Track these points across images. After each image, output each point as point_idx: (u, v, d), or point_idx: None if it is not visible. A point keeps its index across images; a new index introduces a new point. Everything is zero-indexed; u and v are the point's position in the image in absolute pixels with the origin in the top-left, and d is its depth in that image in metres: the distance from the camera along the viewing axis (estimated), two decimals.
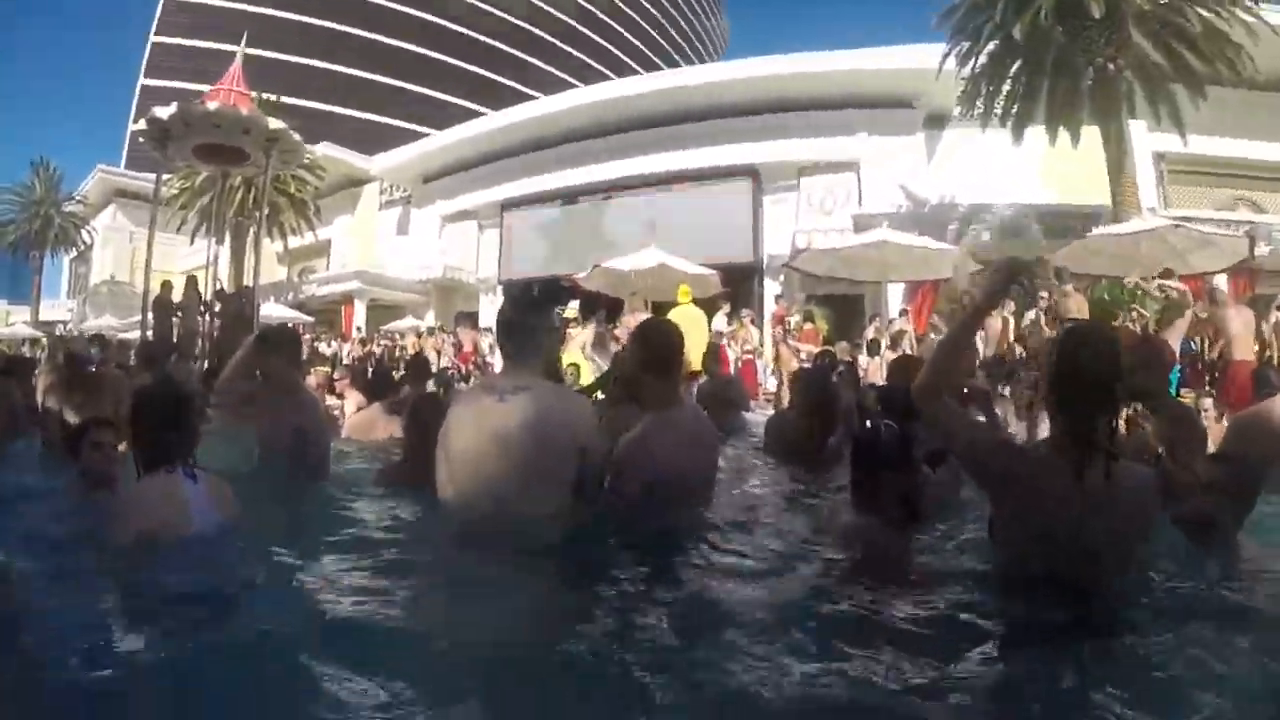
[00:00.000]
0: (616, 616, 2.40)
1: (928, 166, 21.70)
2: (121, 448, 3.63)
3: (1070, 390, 2.37)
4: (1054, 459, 2.36)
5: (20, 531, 3.28)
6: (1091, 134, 16.63)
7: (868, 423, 3.28)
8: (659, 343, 3.56)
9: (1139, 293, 13.24)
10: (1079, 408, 2.35)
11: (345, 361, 18.21)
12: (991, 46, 17.21)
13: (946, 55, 17.77)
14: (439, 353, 20.52)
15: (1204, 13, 15.37)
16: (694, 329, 12.17)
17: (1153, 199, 18.61)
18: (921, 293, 18.16)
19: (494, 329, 3.30)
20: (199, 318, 13.21)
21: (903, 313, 16.31)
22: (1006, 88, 17.59)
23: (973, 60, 17.56)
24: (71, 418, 5.38)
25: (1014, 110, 17.54)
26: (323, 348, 21.11)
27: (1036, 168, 19.45)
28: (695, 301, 13.00)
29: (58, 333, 32.33)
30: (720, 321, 15.08)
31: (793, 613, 2.37)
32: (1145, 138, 18.28)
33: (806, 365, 11.54)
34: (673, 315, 12.33)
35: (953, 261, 13.84)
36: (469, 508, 2.90)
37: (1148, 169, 18.77)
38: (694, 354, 10.93)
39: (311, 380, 9.01)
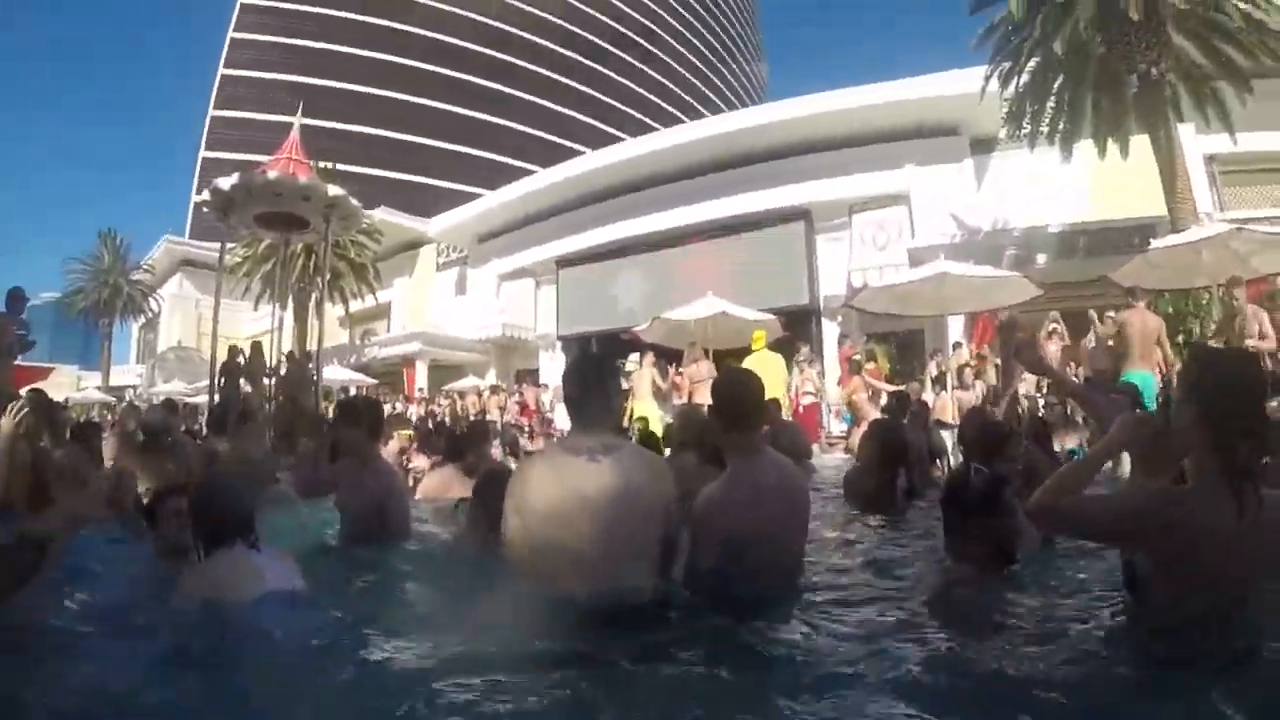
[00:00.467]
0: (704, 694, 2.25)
1: (978, 193, 21.46)
2: None
3: (1228, 422, 2.26)
4: (1213, 496, 2.23)
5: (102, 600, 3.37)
6: (1141, 143, 16.38)
7: (961, 467, 3.30)
8: (733, 395, 3.36)
9: (1205, 302, 13.07)
10: (1237, 440, 2.24)
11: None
12: (1032, 64, 17.10)
13: (988, 77, 17.66)
14: (502, 410, 20.83)
15: (1241, 5, 15.13)
16: (771, 374, 12.26)
17: (1208, 203, 18.17)
18: (981, 323, 17.88)
19: (564, 387, 3.25)
20: (265, 382, 13.61)
21: (956, 346, 16.16)
22: (1051, 104, 17.46)
23: (1015, 79, 17.46)
24: (141, 485, 5.36)
25: (1060, 126, 17.42)
26: (406, 410, 21.38)
27: (1088, 184, 19.12)
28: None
29: (127, 397, 33.23)
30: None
31: (903, 679, 2.27)
32: (1195, 141, 17.78)
33: (880, 405, 11.58)
34: (749, 361, 12.60)
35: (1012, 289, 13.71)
36: (550, 574, 2.78)
37: (1200, 173, 18.28)
38: (779, 398, 11.14)
39: (394, 445, 9.20)
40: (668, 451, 5.59)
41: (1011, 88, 17.57)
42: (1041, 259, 18.42)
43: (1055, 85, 17.21)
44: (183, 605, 3.01)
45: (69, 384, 42.98)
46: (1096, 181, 18.87)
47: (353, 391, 28.48)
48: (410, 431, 11.41)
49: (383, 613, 3.24)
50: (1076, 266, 17.09)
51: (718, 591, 3.00)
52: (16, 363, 11.65)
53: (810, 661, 2.46)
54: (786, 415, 11.40)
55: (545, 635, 2.61)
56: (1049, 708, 2.08)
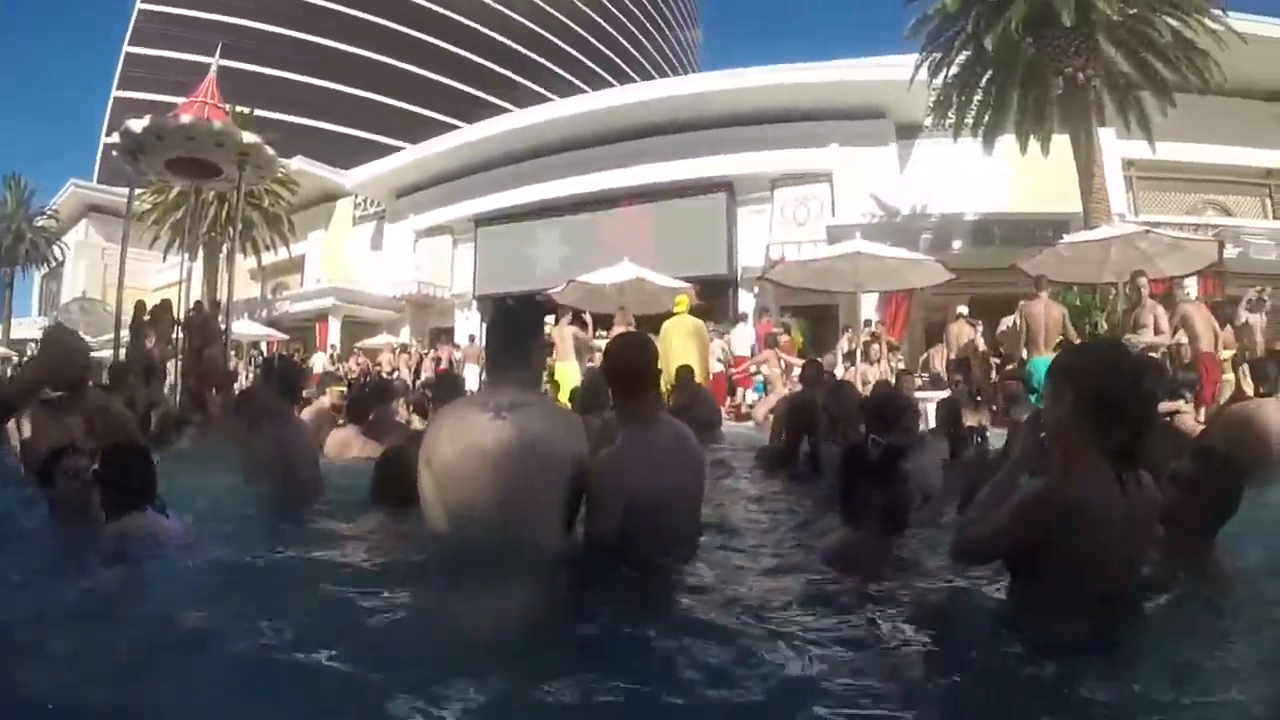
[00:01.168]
0: (608, 645, 2.28)
1: (900, 177, 21.88)
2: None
3: (1116, 413, 2.28)
4: (1095, 480, 2.25)
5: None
6: (1061, 142, 16.86)
7: (860, 437, 3.37)
8: (625, 360, 3.36)
9: (1111, 297, 13.50)
10: (1127, 428, 2.28)
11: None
12: (963, 57, 17.41)
13: (919, 66, 17.93)
14: (411, 369, 20.57)
15: (1172, 22, 15.62)
16: (693, 339, 12.43)
17: (1123, 205, 18.80)
18: (895, 301, 18.36)
19: (484, 342, 3.22)
20: (173, 336, 13.20)
21: (867, 323, 16.47)
22: (978, 98, 17.83)
23: (944, 71, 17.76)
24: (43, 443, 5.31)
25: (985, 120, 17.80)
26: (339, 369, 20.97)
27: (1007, 177, 19.62)
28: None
29: (29, 351, 32.08)
30: None
31: (787, 626, 2.36)
32: (1114, 145, 18.55)
33: (794, 382, 11.64)
34: (670, 325, 12.64)
35: (925, 272, 13.97)
36: (459, 528, 2.75)
37: (1117, 176, 18.96)
38: (697, 364, 11.17)
39: (326, 400, 8.93)
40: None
41: (940, 78, 17.88)
42: (957, 245, 18.84)
43: (983, 79, 17.59)
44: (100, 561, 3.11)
45: None
46: (1016, 175, 19.38)
47: (263, 347, 27.94)
48: (342, 388, 11.31)
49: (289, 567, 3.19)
50: (990, 254, 17.41)
51: (614, 553, 2.97)
52: None
53: (710, 615, 2.47)
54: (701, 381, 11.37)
55: (446, 587, 2.74)
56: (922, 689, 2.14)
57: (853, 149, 22.00)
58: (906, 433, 4.74)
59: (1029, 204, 19.04)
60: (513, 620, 2.42)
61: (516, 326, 3.22)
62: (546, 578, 2.70)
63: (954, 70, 17.68)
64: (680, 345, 11.71)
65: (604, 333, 15.00)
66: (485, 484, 2.69)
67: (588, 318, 14.89)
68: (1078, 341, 11.24)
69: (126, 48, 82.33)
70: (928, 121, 19.50)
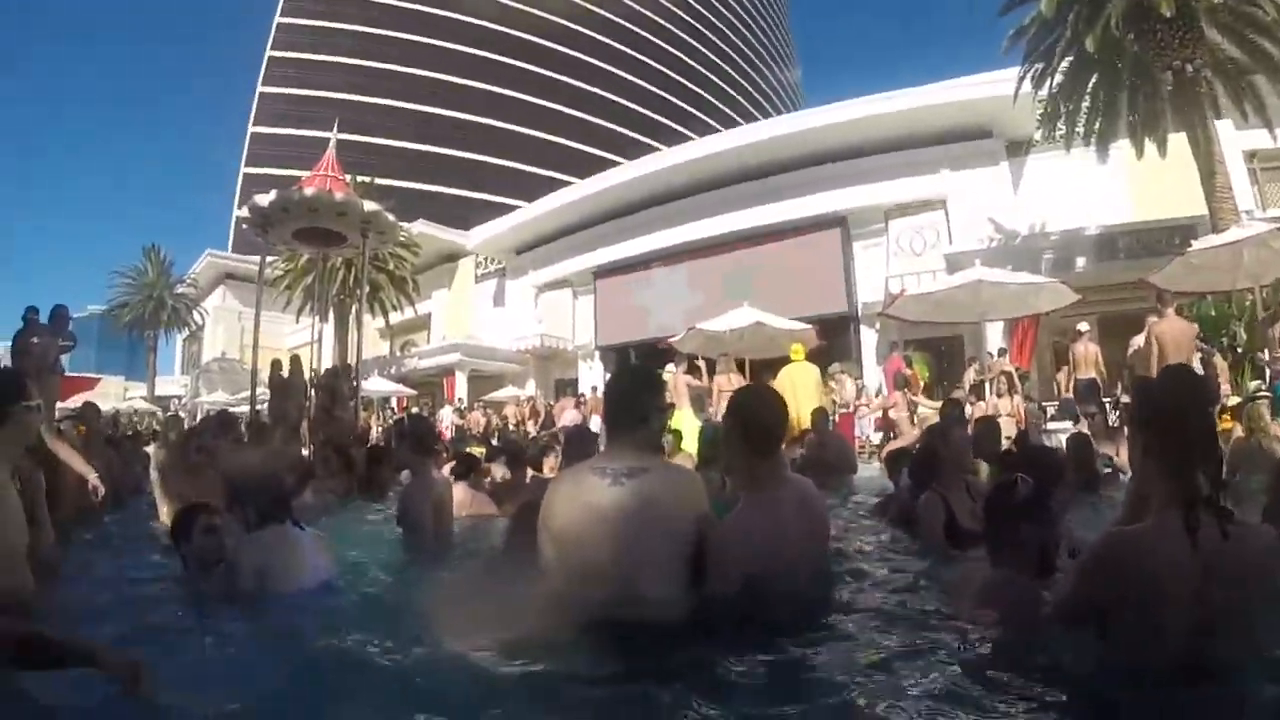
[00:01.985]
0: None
1: (1015, 196, 21.29)
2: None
3: (1175, 442, 2.11)
4: (1166, 528, 2.06)
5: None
6: (1179, 141, 16.08)
7: (1009, 476, 3.18)
8: (758, 421, 3.18)
9: (1248, 303, 12.78)
10: (1184, 461, 2.09)
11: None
12: (1065, 64, 16.88)
13: (1022, 78, 17.43)
14: (539, 422, 21.09)
15: None
16: (808, 386, 12.27)
17: (1249, 200, 17.86)
18: (1021, 327, 17.79)
19: (602, 404, 3.23)
20: (305, 395, 13.87)
21: (1002, 351, 16.03)
22: (1085, 104, 17.27)
23: (1048, 80, 17.24)
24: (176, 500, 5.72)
25: (1096, 127, 17.23)
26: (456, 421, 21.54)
27: (1126, 185, 18.89)
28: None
29: (172, 407, 33.94)
30: None
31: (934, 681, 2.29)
32: (1234, 137, 17.56)
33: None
34: (785, 373, 12.58)
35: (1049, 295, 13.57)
36: (587, 595, 2.74)
37: (1240, 170, 17.97)
38: (806, 411, 10.94)
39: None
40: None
41: (1045, 89, 17.35)
42: (1080, 262, 18.13)
43: (1089, 85, 16.98)
44: (237, 575, 3.34)
45: (115, 394, 43.75)
46: (1135, 182, 18.66)
47: (393, 402, 28.91)
48: (482, 449, 11.44)
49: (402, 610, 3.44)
50: (1115, 269, 16.84)
51: (734, 621, 2.87)
52: (67, 374, 12.08)
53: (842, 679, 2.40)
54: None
55: (565, 650, 2.65)
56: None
57: (964, 172, 21.58)
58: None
59: (1151, 211, 18.13)
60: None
61: (636, 388, 3.17)
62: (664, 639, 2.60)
63: (1058, 79, 17.14)
64: (803, 391, 11.75)
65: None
66: (604, 548, 2.72)
67: (701, 363, 14.97)
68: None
69: (251, 128, 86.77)
70: (1037, 135, 19.13)
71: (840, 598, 3.41)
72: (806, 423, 10.10)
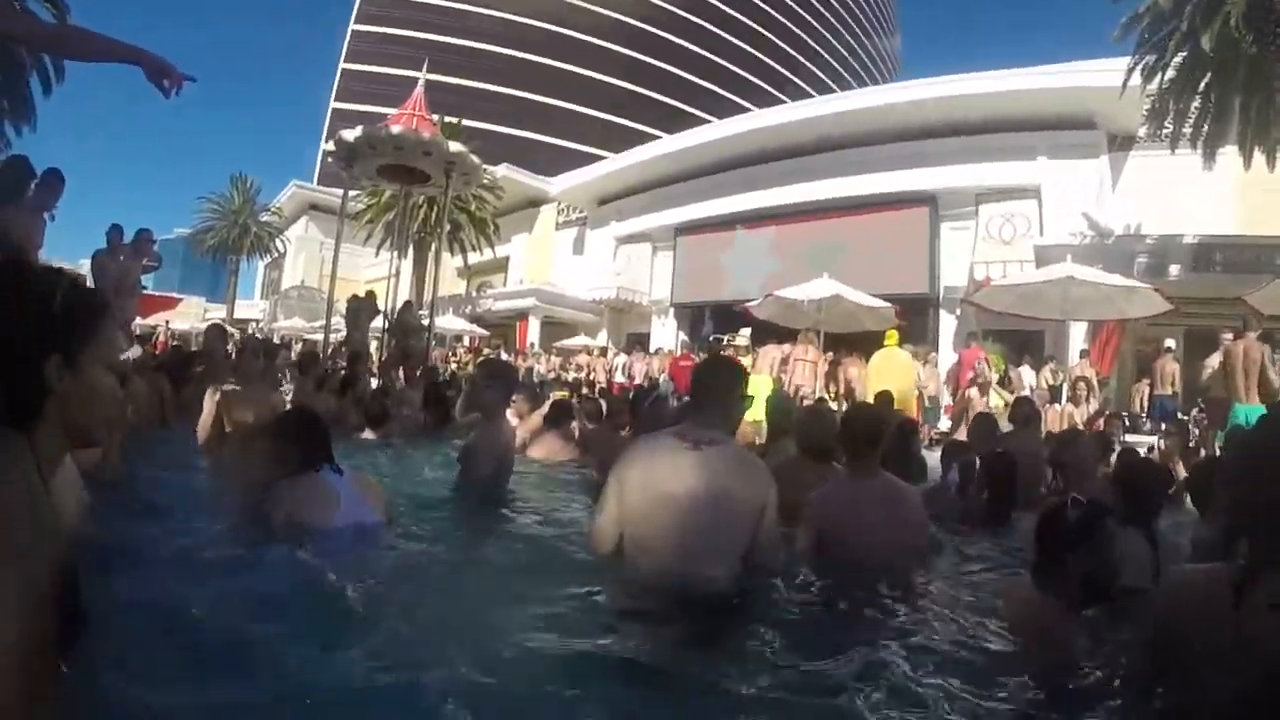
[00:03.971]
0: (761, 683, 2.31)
1: (1112, 193, 20.75)
2: None
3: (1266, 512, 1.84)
4: (1209, 594, 1.88)
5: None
6: None
7: (1059, 498, 3.08)
8: (863, 427, 3.96)
9: None
10: (1244, 528, 1.94)
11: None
12: (1178, 60, 16.05)
13: (1131, 70, 16.71)
14: (609, 372, 21.30)
15: None
16: (902, 373, 12.70)
17: None
18: (1106, 331, 17.30)
19: (692, 384, 3.44)
20: (378, 325, 14.67)
21: (1083, 353, 15.75)
22: (1196, 105, 16.41)
23: (1159, 75, 16.39)
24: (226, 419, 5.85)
25: (1205, 129, 16.36)
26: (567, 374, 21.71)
27: (1231, 194, 18.28)
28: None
29: (250, 329, 34.93)
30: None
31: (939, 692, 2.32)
32: None
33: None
34: (878, 358, 13.07)
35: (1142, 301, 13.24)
36: (650, 552, 2.94)
37: None
38: (902, 398, 11.41)
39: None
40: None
41: (1155, 84, 16.55)
42: (1174, 270, 17.39)
43: (1201, 84, 16.22)
44: (268, 526, 3.32)
45: (195, 314, 45.12)
46: (1239, 193, 18.06)
47: (465, 340, 29.33)
48: (564, 393, 11.57)
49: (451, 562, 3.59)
50: (1211, 282, 16.22)
51: (805, 576, 3.40)
52: (149, 292, 12.48)
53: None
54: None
55: (614, 611, 2.89)
56: None
57: (1061, 162, 20.98)
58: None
59: (1255, 226, 17.53)
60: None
61: (728, 378, 3.38)
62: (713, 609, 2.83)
63: (1170, 74, 16.30)
64: (892, 382, 11.93)
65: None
66: (673, 506, 2.90)
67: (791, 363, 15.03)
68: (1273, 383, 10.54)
69: (343, 64, 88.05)
70: (1142, 132, 18.49)
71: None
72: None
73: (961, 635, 2.94)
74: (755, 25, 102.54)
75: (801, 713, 2.18)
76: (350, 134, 12.71)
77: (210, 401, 5.89)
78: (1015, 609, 2.97)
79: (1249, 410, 9.67)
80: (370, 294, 14.49)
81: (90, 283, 11.14)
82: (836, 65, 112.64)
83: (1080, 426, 10.87)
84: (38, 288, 1.34)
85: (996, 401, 13.01)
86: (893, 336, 13.40)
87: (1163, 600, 2.01)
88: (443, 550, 3.80)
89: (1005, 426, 8.33)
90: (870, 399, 10.87)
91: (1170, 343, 14.45)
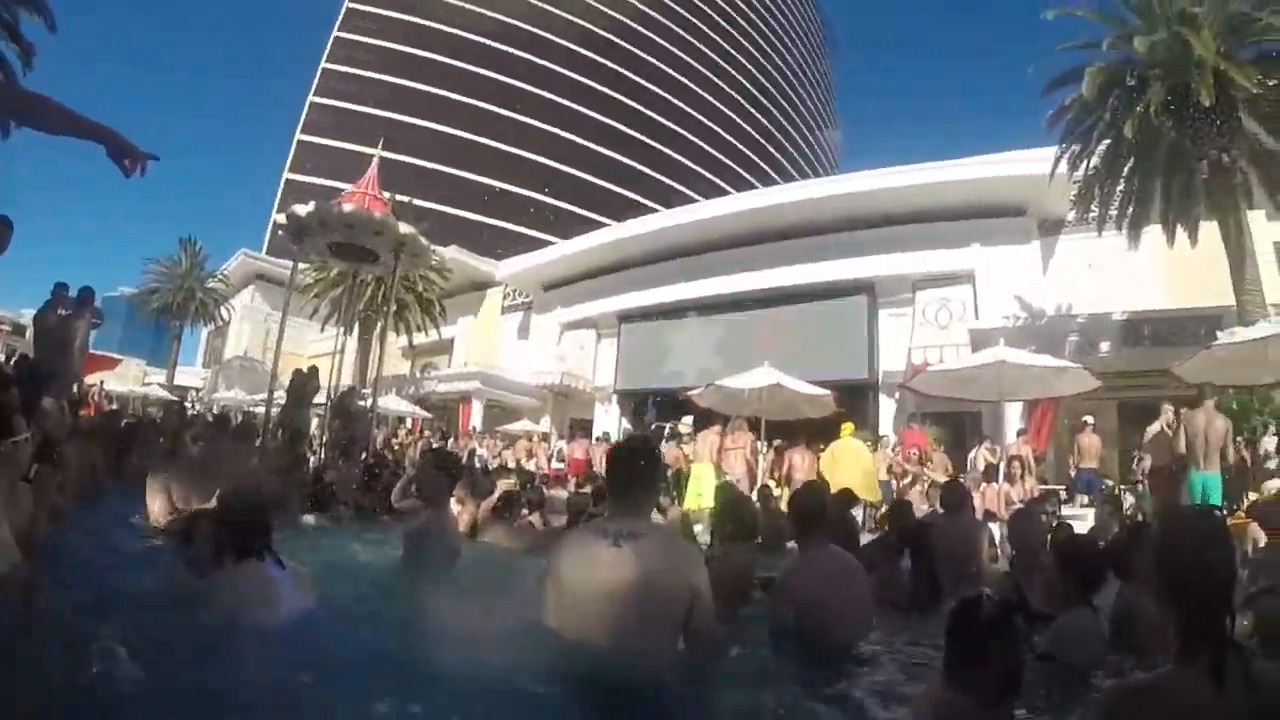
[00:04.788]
0: None
1: (1044, 276, 21.36)
2: None
3: (1194, 591, 2.00)
4: (1185, 673, 1.96)
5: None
6: (1210, 230, 16.06)
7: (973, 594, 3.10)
8: (808, 506, 4.52)
9: (1276, 398, 12.70)
10: (1203, 609, 2.00)
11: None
12: (1103, 147, 16.93)
13: (1058, 159, 17.44)
14: (548, 458, 21.22)
15: None
16: (858, 460, 13.42)
17: (1278, 293, 17.71)
18: (1040, 409, 17.47)
19: (606, 467, 3.47)
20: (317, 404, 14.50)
21: (1019, 433, 16.00)
22: (1120, 188, 17.21)
23: (1085, 162, 17.27)
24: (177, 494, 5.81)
25: (1129, 211, 17.17)
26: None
27: (1156, 271, 18.97)
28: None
29: (188, 399, 34.31)
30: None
31: None
32: (1265, 229, 17.69)
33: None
34: (836, 446, 13.88)
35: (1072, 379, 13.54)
36: (579, 648, 2.95)
37: (1271, 262, 17.76)
38: (861, 484, 12.35)
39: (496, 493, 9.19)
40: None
41: (1081, 170, 17.37)
42: (1105, 347, 18.06)
43: (1125, 169, 16.93)
44: (211, 618, 3.30)
45: (135, 377, 44.03)
46: (1165, 269, 18.73)
47: (407, 422, 29.05)
48: (512, 481, 11.25)
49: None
50: (1140, 356, 16.78)
51: (791, 643, 3.80)
52: (91, 351, 12.30)
53: None
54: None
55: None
56: None
57: (994, 248, 21.58)
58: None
59: (1179, 299, 18.17)
60: None
61: (641, 459, 3.39)
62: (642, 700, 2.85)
63: (1094, 161, 17.16)
64: (846, 470, 12.72)
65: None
66: (598, 604, 2.93)
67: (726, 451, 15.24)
68: (1232, 457, 10.79)
69: (298, 136, 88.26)
70: (1070, 216, 19.12)
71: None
72: (865, 493, 11.58)
73: None
74: (704, 119, 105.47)
75: None
76: (303, 209, 12.59)
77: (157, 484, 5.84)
78: (929, 711, 2.82)
79: (1206, 478, 9.88)
80: (313, 369, 14.32)
81: (31, 341, 10.94)
82: (780, 158, 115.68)
83: (1017, 504, 10.94)
84: None
85: (938, 477, 13.26)
86: (848, 428, 14.04)
87: (1145, 700, 1.99)
88: (392, 638, 3.75)
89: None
90: (831, 486, 11.13)
91: (1089, 419, 14.77)
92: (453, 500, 6.92)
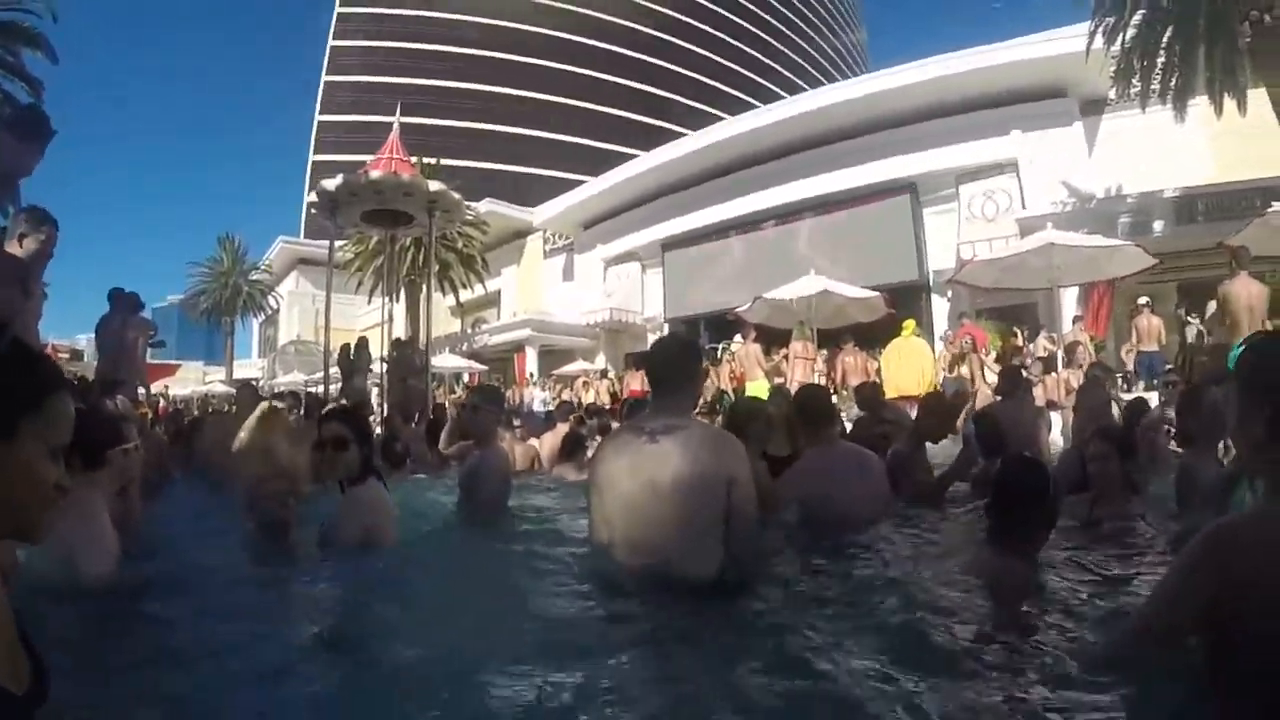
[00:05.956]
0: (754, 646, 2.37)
1: (1089, 158, 20.66)
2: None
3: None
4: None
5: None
6: (1260, 98, 15.20)
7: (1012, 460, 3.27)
8: (814, 407, 4.69)
9: None
10: None
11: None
12: (1138, 18, 16.01)
13: (1093, 33, 16.56)
14: (598, 393, 21.32)
15: None
16: (918, 358, 13.29)
17: None
18: (1097, 294, 17.23)
19: (646, 368, 3.48)
20: (375, 370, 14.88)
21: (1076, 319, 15.70)
22: (1161, 59, 16.27)
23: (1120, 34, 16.29)
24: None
25: (1172, 83, 16.24)
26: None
27: (1206, 144, 18.14)
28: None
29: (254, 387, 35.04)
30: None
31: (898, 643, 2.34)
32: None
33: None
34: (897, 343, 13.65)
35: (1126, 259, 13.15)
36: (627, 549, 2.96)
37: None
38: (921, 381, 12.53)
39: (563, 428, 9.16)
40: None
41: (1117, 44, 16.43)
42: (1158, 226, 17.48)
43: (1164, 39, 16.07)
44: (343, 537, 3.63)
45: (195, 379, 45.30)
46: (1215, 141, 17.91)
47: (464, 377, 29.37)
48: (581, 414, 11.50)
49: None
50: (1195, 233, 16.22)
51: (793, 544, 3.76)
52: (149, 360, 12.53)
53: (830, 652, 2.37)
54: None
55: (601, 603, 2.93)
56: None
57: (1036, 133, 21.01)
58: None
59: (1232, 172, 17.30)
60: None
61: (676, 354, 3.42)
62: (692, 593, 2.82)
63: (1131, 33, 16.19)
64: (907, 368, 12.78)
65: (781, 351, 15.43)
66: (639, 500, 2.94)
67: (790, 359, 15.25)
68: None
69: (318, 116, 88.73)
70: (1111, 94, 18.46)
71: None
72: (909, 390, 11.44)
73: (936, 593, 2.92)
74: (720, 34, 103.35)
75: (795, 699, 2.09)
76: (331, 183, 12.68)
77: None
78: (973, 565, 3.05)
79: None
80: (362, 340, 14.49)
81: (96, 350, 11.16)
82: (805, 65, 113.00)
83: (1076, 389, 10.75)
84: None
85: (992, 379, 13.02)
86: (909, 326, 13.85)
87: (1236, 536, 1.77)
88: (455, 565, 3.96)
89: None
90: (891, 385, 11.33)
91: (1144, 299, 14.39)
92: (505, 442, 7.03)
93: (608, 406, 17.92)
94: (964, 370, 12.81)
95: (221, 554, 3.92)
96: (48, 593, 2.65)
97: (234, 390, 18.59)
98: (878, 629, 2.56)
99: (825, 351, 16.30)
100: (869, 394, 9.33)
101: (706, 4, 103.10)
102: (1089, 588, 3.01)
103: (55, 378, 1.32)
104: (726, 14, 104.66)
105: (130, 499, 3.70)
